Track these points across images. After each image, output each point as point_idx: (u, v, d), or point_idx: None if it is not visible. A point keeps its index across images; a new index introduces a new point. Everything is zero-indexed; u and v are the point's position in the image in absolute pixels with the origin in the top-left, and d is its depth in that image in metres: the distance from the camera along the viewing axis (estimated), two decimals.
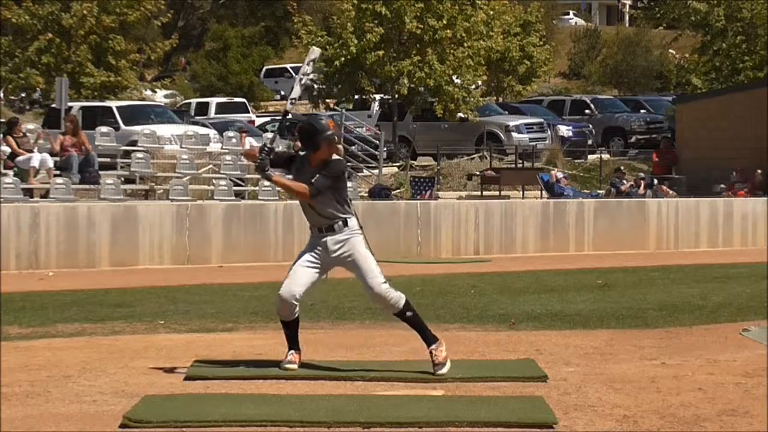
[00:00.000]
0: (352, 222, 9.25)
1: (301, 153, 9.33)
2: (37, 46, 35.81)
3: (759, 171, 31.57)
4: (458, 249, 23.71)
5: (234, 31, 62.58)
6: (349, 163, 29.13)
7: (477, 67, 37.31)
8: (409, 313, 9.26)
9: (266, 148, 9.14)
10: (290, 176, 9.38)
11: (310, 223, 9.35)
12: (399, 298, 9.18)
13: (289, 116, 9.80)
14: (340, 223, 9.21)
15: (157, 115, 32.95)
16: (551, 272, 19.38)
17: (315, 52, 9.65)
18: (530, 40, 46.27)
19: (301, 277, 9.19)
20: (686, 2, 42.21)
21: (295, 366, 9.21)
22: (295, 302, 9.19)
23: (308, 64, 9.60)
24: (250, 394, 8.42)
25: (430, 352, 9.17)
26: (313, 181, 9.09)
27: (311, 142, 9.21)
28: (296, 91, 9.59)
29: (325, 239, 9.21)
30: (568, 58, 68.93)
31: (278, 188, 9.35)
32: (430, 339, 9.27)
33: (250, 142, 30.46)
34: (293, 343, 9.35)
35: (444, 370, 9.08)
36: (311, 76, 9.67)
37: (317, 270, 9.23)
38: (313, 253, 9.24)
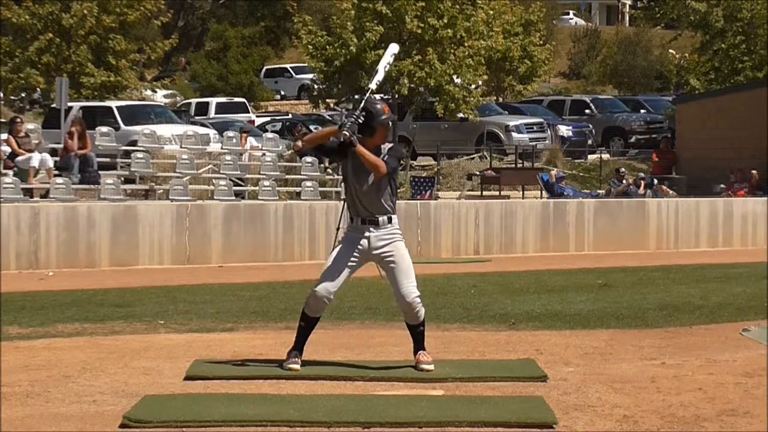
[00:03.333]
0: (395, 220, 9.28)
1: (353, 139, 9.16)
2: (37, 46, 35.77)
3: (754, 171, 31.61)
4: (458, 249, 23.72)
5: (234, 31, 62.53)
6: None
7: (477, 67, 37.28)
8: (421, 328, 9.35)
9: (353, 116, 9.05)
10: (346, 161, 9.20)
11: (352, 213, 9.26)
12: (423, 312, 9.27)
13: (371, 94, 9.67)
14: (386, 218, 9.19)
15: (157, 115, 32.94)
16: (551, 272, 19.38)
17: (394, 47, 9.73)
18: (531, 40, 46.25)
19: (340, 276, 9.16)
20: (685, 2, 42.21)
21: (298, 366, 9.20)
22: (329, 300, 9.21)
23: (390, 56, 9.64)
24: (250, 394, 8.42)
25: (419, 356, 9.28)
26: (385, 160, 9.07)
27: (367, 127, 9.16)
28: (380, 75, 9.50)
29: (368, 234, 9.15)
30: (568, 58, 68.91)
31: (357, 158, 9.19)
32: (422, 347, 9.37)
33: (251, 142, 30.49)
34: (301, 344, 9.33)
35: (431, 367, 9.17)
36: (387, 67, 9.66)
37: (356, 267, 9.25)
38: (355, 250, 9.18)
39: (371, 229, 9.18)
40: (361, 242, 9.18)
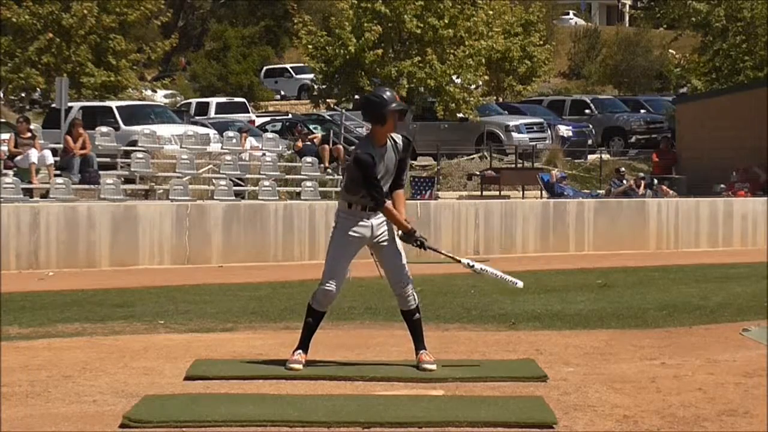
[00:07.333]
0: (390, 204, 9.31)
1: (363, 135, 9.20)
2: (37, 46, 35.77)
3: (757, 168, 31.64)
4: (458, 249, 23.67)
5: (234, 31, 62.53)
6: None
7: (477, 67, 37.27)
8: (417, 315, 9.31)
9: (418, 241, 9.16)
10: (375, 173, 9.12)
11: (354, 201, 9.16)
12: (416, 297, 9.25)
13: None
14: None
15: (157, 115, 32.94)
16: (551, 272, 19.37)
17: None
18: (531, 40, 46.25)
19: (345, 267, 9.17)
20: (686, 2, 42.19)
21: (301, 366, 9.18)
22: (337, 293, 9.20)
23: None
24: (250, 394, 8.42)
25: (421, 356, 9.24)
26: (401, 181, 9.19)
27: (378, 115, 9.13)
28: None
29: (371, 222, 9.14)
30: (568, 58, 68.91)
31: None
32: (422, 346, 9.33)
33: (251, 142, 30.48)
34: (307, 342, 9.30)
35: (434, 367, 9.15)
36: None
37: (354, 255, 9.25)
38: (356, 240, 9.14)
39: (372, 215, 9.17)
40: (362, 231, 9.14)
